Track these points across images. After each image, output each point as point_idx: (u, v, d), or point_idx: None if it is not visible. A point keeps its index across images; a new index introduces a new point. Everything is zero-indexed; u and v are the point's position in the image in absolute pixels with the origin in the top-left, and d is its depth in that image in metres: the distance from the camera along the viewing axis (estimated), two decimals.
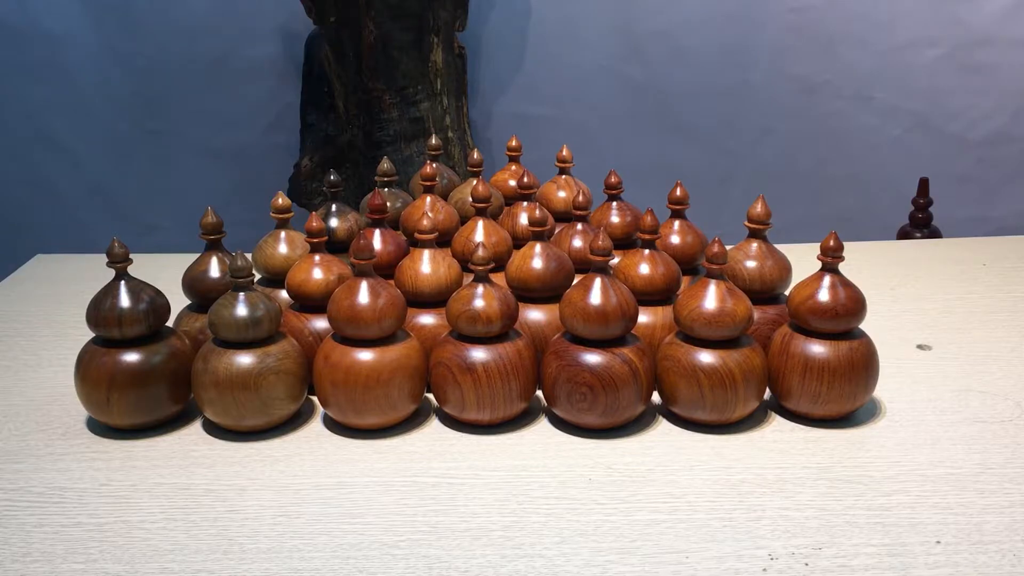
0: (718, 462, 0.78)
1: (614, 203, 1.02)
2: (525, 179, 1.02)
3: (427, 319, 0.90)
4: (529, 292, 0.89)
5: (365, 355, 0.80)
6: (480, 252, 0.82)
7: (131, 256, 0.83)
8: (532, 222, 0.89)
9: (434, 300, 0.90)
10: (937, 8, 2.26)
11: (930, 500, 0.72)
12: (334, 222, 1.03)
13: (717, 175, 2.39)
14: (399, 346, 0.82)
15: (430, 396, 0.88)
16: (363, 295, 0.80)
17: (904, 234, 2.19)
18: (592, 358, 0.80)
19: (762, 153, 2.40)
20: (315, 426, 0.86)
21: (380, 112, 2.05)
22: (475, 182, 1.00)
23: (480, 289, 0.82)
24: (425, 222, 0.89)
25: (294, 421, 0.86)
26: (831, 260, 0.83)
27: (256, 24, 2.33)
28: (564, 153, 1.09)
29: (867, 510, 0.70)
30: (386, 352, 0.81)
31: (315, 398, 0.90)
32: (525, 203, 1.03)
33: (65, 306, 1.15)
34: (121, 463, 0.79)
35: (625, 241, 1.00)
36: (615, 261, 0.90)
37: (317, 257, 0.89)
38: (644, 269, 0.88)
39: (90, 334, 0.84)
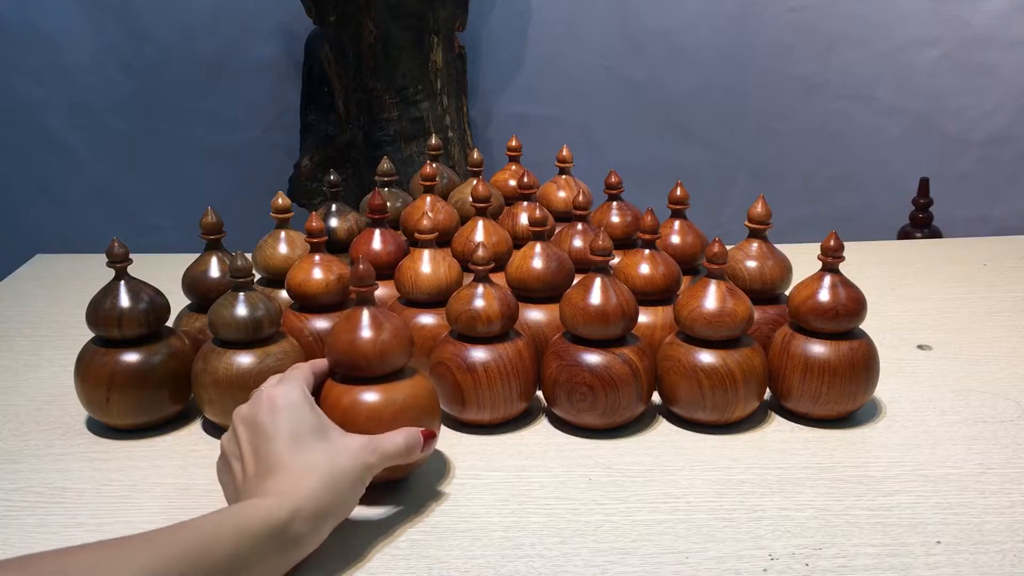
0: (718, 462, 0.78)
1: (614, 203, 1.02)
2: (525, 179, 1.02)
3: (427, 319, 0.90)
4: (529, 292, 0.89)
5: (367, 395, 0.71)
6: (480, 252, 0.82)
7: (131, 256, 0.83)
8: (532, 222, 0.89)
9: (434, 300, 0.89)
10: (937, 8, 2.26)
11: (931, 500, 0.72)
12: (334, 222, 1.04)
13: (717, 175, 2.39)
14: (405, 384, 0.73)
15: None
16: (364, 328, 0.71)
17: (904, 234, 2.19)
18: (592, 358, 0.80)
19: (762, 153, 2.40)
20: None
21: (380, 112, 2.05)
22: (475, 182, 1.00)
23: (480, 289, 0.82)
24: (425, 222, 0.89)
25: None
26: (831, 260, 0.83)
27: (256, 24, 2.33)
28: (564, 153, 1.09)
29: (867, 510, 0.70)
30: (390, 391, 0.72)
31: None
32: (525, 203, 1.03)
33: (65, 306, 1.15)
34: (121, 463, 0.79)
35: (625, 241, 1.00)
36: (615, 261, 0.90)
37: (317, 257, 0.89)
38: (644, 269, 0.88)
39: (90, 334, 0.84)
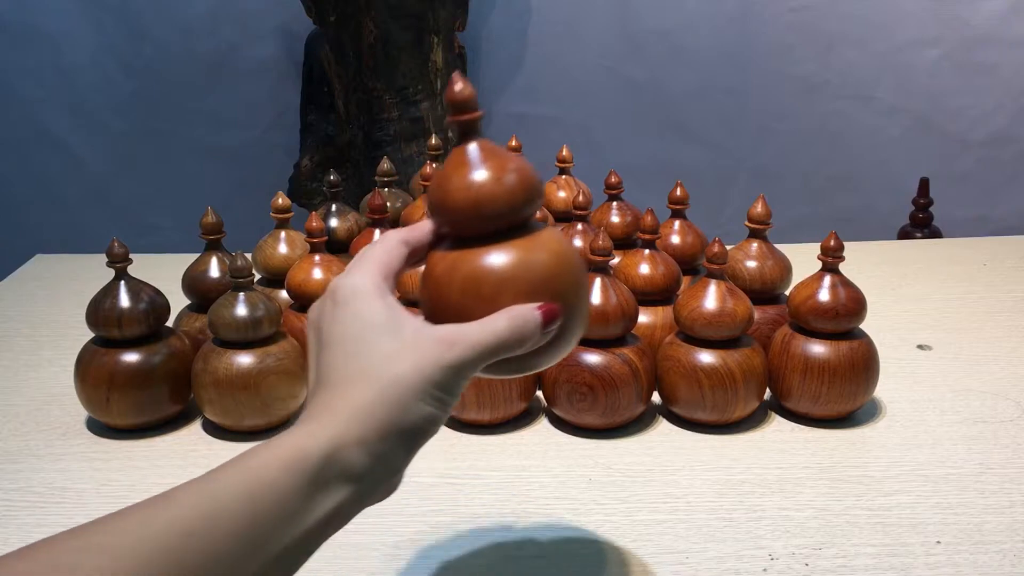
0: (718, 462, 0.78)
1: (614, 203, 1.02)
2: None
3: None
4: None
5: (465, 260, 0.50)
6: None
7: (131, 256, 0.83)
8: None
9: None
10: (937, 8, 2.26)
11: (930, 500, 0.72)
12: (334, 222, 1.04)
13: (717, 175, 2.39)
14: (523, 243, 0.51)
15: None
16: (462, 168, 0.51)
17: (904, 234, 2.19)
18: (592, 358, 0.80)
19: (762, 153, 2.40)
20: None
21: (380, 112, 2.05)
22: None
23: None
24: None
25: (294, 421, 0.86)
26: (831, 260, 0.83)
27: (256, 24, 2.33)
28: (564, 153, 1.09)
29: (867, 510, 0.70)
30: (496, 254, 0.50)
31: None
32: None
33: (65, 306, 1.15)
34: (121, 463, 0.79)
35: (625, 241, 1.00)
36: (615, 261, 0.90)
37: (317, 257, 0.89)
38: (644, 269, 0.88)
39: (90, 334, 0.84)
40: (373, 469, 0.44)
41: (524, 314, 0.48)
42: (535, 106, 2.38)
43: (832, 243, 0.82)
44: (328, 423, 0.44)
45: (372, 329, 0.47)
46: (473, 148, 0.51)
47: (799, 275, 0.89)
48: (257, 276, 0.89)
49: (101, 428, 0.85)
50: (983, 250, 1.34)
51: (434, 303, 0.51)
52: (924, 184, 2.17)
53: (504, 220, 0.51)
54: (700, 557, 0.65)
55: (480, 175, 0.50)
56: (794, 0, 2.28)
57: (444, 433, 0.84)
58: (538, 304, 0.49)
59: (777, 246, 0.91)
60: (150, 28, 2.32)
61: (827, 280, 0.82)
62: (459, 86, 0.51)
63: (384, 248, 0.51)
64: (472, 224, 0.50)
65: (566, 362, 0.80)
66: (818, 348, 0.82)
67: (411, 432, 0.45)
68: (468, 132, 0.52)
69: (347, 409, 0.44)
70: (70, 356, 0.87)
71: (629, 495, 0.73)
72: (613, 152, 2.36)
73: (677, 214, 0.98)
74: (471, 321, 0.48)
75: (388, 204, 0.99)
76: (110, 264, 0.82)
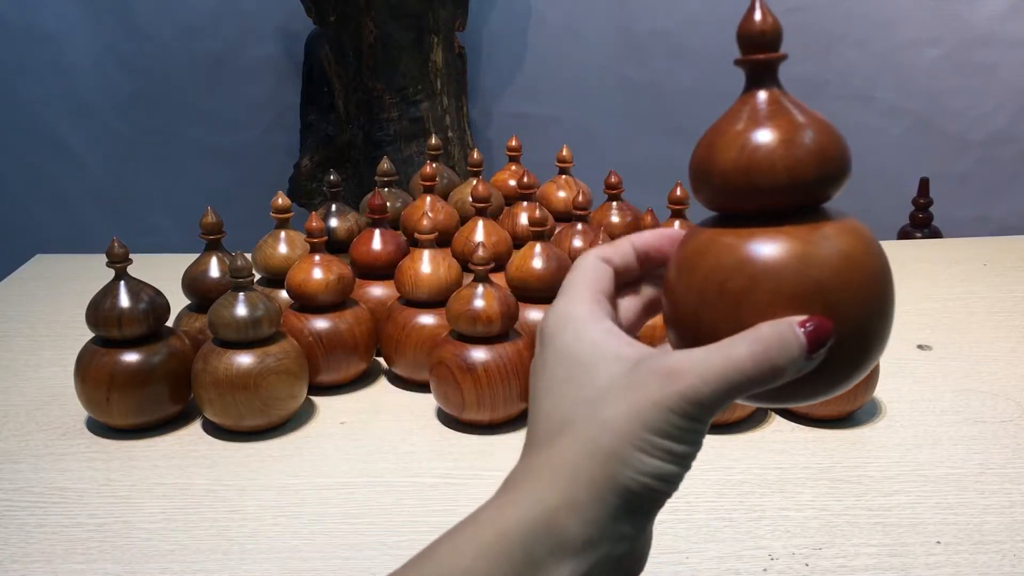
0: (718, 462, 0.78)
1: (614, 203, 1.02)
2: (525, 179, 1.02)
3: (427, 319, 0.90)
4: (529, 292, 0.89)
5: (720, 245, 0.38)
6: (480, 252, 0.82)
7: (131, 256, 0.83)
8: (532, 222, 0.89)
9: (434, 300, 0.90)
10: (937, 8, 2.26)
11: (930, 500, 0.72)
12: (334, 222, 1.04)
13: None
14: (802, 233, 0.38)
15: (429, 395, 0.88)
16: (739, 123, 0.41)
17: (904, 234, 2.19)
18: None
19: None
20: (315, 426, 0.86)
21: (380, 112, 2.05)
22: (475, 182, 1.00)
23: (480, 289, 0.82)
24: (425, 222, 0.89)
25: (294, 421, 0.86)
26: None
27: (256, 24, 2.33)
28: (564, 153, 1.09)
29: (867, 510, 0.70)
30: (761, 241, 0.38)
31: (315, 398, 0.90)
32: (525, 203, 1.03)
33: (65, 306, 1.15)
34: (121, 463, 0.79)
35: None
36: None
37: (317, 257, 0.89)
38: None
39: (90, 334, 0.84)
40: (594, 541, 0.34)
41: (778, 335, 0.35)
42: (535, 106, 2.38)
43: None
44: (529, 488, 0.35)
45: (584, 365, 0.37)
46: (762, 98, 0.39)
47: None
48: (257, 276, 0.89)
49: (101, 428, 0.85)
50: (983, 250, 1.34)
51: (669, 300, 0.39)
52: (924, 184, 2.17)
53: (783, 197, 0.38)
54: (700, 557, 0.65)
55: (760, 134, 0.38)
56: (794, 0, 2.28)
57: (444, 433, 0.84)
58: (801, 318, 0.36)
59: None
60: (150, 28, 2.33)
61: None
62: (759, 14, 0.39)
63: (586, 269, 0.41)
64: (739, 197, 0.38)
65: None
66: None
67: (634, 491, 0.35)
68: (759, 77, 0.40)
69: (550, 468, 0.35)
70: (70, 356, 0.87)
71: None
72: (613, 152, 2.36)
73: (677, 214, 0.98)
74: (708, 327, 0.37)
75: (388, 204, 0.99)
76: (110, 264, 0.82)
